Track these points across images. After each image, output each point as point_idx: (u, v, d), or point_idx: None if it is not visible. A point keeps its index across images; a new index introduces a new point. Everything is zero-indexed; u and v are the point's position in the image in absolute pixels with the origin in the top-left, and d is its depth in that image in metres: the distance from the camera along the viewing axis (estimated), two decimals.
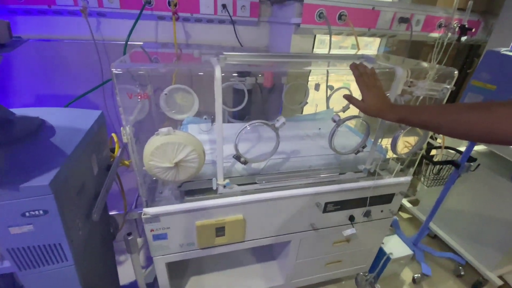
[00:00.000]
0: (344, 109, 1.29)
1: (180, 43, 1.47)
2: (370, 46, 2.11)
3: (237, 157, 0.91)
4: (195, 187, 0.96)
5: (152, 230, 0.93)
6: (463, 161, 1.40)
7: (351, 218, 1.16)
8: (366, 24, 1.40)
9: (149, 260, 1.48)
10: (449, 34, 1.54)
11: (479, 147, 1.67)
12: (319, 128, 1.39)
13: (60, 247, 0.67)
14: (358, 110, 0.79)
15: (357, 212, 1.17)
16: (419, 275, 1.57)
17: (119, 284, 1.23)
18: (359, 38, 1.41)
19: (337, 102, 1.40)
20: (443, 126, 0.59)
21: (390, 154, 1.16)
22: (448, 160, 1.48)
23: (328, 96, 1.40)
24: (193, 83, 1.18)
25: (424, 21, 1.51)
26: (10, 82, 1.35)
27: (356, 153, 1.06)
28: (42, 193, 0.58)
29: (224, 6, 1.37)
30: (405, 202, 2.05)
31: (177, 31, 1.41)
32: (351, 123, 1.45)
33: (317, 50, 1.61)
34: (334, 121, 0.93)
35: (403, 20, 1.45)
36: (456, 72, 0.96)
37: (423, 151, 1.32)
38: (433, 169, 1.53)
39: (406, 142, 1.15)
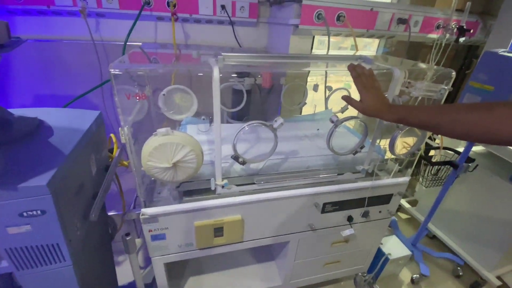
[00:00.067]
0: (343, 110, 1.29)
1: (179, 44, 1.47)
2: (369, 47, 2.12)
3: (236, 158, 0.91)
4: (193, 188, 0.96)
5: (150, 231, 0.93)
6: (461, 162, 1.40)
7: (350, 219, 1.17)
8: (364, 25, 1.40)
9: (148, 261, 1.48)
10: (447, 35, 1.55)
11: (477, 148, 1.67)
12: (318, 129, 1.39)
13: (58, 247, 0.67)
14: (357, 111, 0.79)
15: (356, 213, 1.17)
16: (418, 275, 1.58)
17: (118, 285, 1.22)
18: (358, 39, 1.41)
19: (336, 102, 1.41)
20: (442, 126, 0.59)
21: (388, 155, 1.16)
22: (446, 161, 1.48)
23: (326, 96, 1.40)
24: (192, 84, 1.18)
25: (422, 22, 1.51)
26: (9, 82, 1.35)
27: (354, 154, 1.06)
28: (40, 193, 0.58)
29: (223, 7, 1.38)
30: (403, 202, 2.05)
31: (176, 31, 1.41)
32: (350, 124, 1.45)
33: (316, 51, 1.61)
34: (332, 121, 0.94)
35: (401, 21, 1.46)
36: (453, 73, 0.97)
37: (421, 152, 1.32)
38: (431, 169, 1.54)
39: (404, 143, 1.15)
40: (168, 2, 1.29)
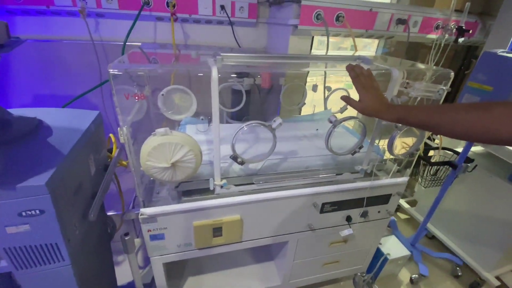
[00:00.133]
0: (342, 110, 1.29)
1: (179, 44, 1.47)
2: (369, 47, 2.12)
3: (234, 158, 0.91)
4: (192, 188, 0.96)
5: (149, 230, 0.93)
6: (460, 162, 1.41)
7: (348, 219, 1.17)
8: (363, 25, 1.41)
9: (147, 261, 1.48)
10: (447, 35, 1.55)
11: (476, 148, 1.67)
12: (317, 129, 1.39)
13: (56, 247, 0.67)
14: (356, 111, 0.79)
15: (354, 213, 1.17)
16: (417, 275, 1.58)
17: (117, 284, 1.23)
18: (357, 39, 1.41)
19: (335, 103, 1.41)
20: (441, 126, 0.59)
21: (387, 155, 1.17)
22: (446, 161, 1.49)
23: (326, 97, 1.40)
24: (191, 84, 1.18)
25: (422, 22, 1.52)
26: (9, 82, 1.36)
27: (352, 154, 1.06)
28: (39, 193, 0.58)
29: (222, 7, 1.38)
30: (403, 202, 2.05)
31: (175, 32, 1.42)
32: (349, 124, 1.45)
33: (316, 51, 1.61)
34: (331, 122, 0.94)
35: (400, 21, 1.46)
36: (452, 74, 0.97)
37: (420, 152, 1.32)
38: (430, 170, 1.54)
39: (404, 143, 1.15)
40: (167, 2, 1.29)
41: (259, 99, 1.59)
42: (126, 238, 0.90)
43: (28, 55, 1.31)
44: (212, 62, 0.81)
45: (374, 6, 1.36)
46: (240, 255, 1.45)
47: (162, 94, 0.93)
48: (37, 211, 0.60)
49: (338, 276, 1.46)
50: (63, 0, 1.20)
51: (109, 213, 1.17)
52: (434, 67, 1.07)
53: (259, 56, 1.07)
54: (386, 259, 1.43)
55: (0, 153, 0.66)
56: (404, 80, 0.94)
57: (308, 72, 1.45)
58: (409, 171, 1.19)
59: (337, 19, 1.32)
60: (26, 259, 0.67)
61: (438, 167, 1.53)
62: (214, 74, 0.76)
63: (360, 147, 1.05)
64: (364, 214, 1.18)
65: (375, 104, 0.73)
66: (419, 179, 1.62)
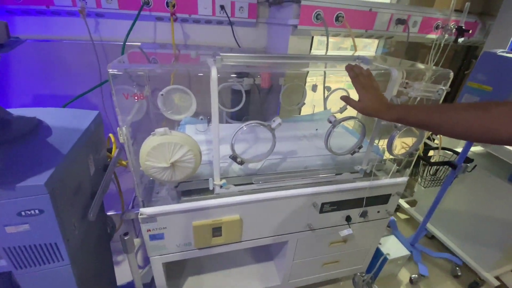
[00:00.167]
0: (342, 110, 1.29)
1: (178, 44, 1.47)
2: (369, 48, 2.12)
3: (234, 158, 0.92)
4: (191, 187, 0.96)
5: (148, 230, 0.93)
6: (459, 162, 1.41)
7: (348, 219, 1.17)
8: (363, 25, 1.41)
9: (147, 260, 1.48)
10: (446, 35, 1.55)
11: (475, 148, 1.67)
12: (316, 129, 1.39)
13: (56, 246, 0.67)
14: (355, 111, 0.79)
15: (354, 213, 1.17)
16: (416, 275, 1.58)
17: (116, 284, 1.23)
18: (357, 39, 1.41)
19: (335, 103, 1.41)
20: (440, 125, 0.59)
21: (387, 155, 1.17)
22: (445, 161, 1.49)
23: (325, 97, 1.40)
24: (191, 84, 1.18)
25: (421, 22, 1.52)
26: (9, 82, 1.36)
27: (352, 154, 1.06)
28: (38, 192, 0.58)
29: (222, 7, 1.38)
30: (402, 203, 2.05)
31: (175, 32, 1.42)
32: (349, 124, 1.46)
33: (317, 51, 1.61)
34: (330, 122, 0.94)
35: (400, 21, 1.46)
36: (451, 74, 0.97)
37: (419, 152, 1.32)
38: (430, 170, 1.54)
39: (403, 143, 1.15)
40: (167, 2, 1.29)
41: (258, 99, 1.60)
42: (126, 238, 0.90)
43: (28, 55, 1.31)
44: (212, 62, 0.81)
45: (373, 6, 1.36)
46: (239, 255, 1.45)
47: (162, 94, 0.93)
48: (36, 211, 0.60)
49: (337, 276, 1.46)
50: (63, 0, 1.20)
51: (109, 213, 1.17)
52: (434, 67, 1.07)
53: (258, 56, 1.07)
54: (385, 259, 1.43)
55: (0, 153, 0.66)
56: (403, 80, 0.94)
57: (308, 72, 1.45)
58: (408, 171, 1.19)
59: (337, 19, 1.32)
60: (26, 258, 0.67)
61: (438, 167, 1.53)
62: (213, 74, 0.76)
63: (360, 147, 1.05)
64: (363, 214, 1.18)
65: (375, 104, 0.73)
66: (419, 179, 1.62)
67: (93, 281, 0.91)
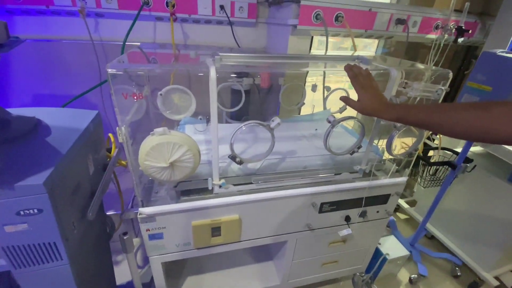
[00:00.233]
0: (341, 110, 1.29)
1: (178, 44, 1.48)
2: (370, 48, 2.13)
3: (233, 157, 0.92)
4: (191, 187, 0.96)
5: (148, 230, 0.93)
6: (459, 162, 1.41)
7: (347, 219, 1.17)
8: (363, 25, 1.41)
9: (147, 260, 1.48)
10: (446, 35, 1.55)
11: (475, 148, 1.67)
12: (316, 129, 1.39)
13: (54, 246, 0.67)
14: (355, 111, 0.79)
15: (353, 213, 1.17)
16: (416, 275, 1.58)
17: (116, 284, 1.23)
18: (358, 39, 1.42)
19: (335, 103, 1.41)
20: (440, 125, 0.59)
21: (386, 155, 1.17)
22: (445, 161, 1.49)
23: (325, 97, 1.40)
24: (191, 84, 1.18)
25: (421, 22, 1.52)
26: (8, 82, 1.36)
27: (351, 154, 1.06)
28: (36, 192, 0.58)
29: (222, 7, 1.38)
30: (402, 203, 2.05)
31: (175, 31, 1.42)
32: (348, 124, 1.46)
33: (317, 51, 1.61)
34: (329, 121, 0.94)
35: (400, 21, 1.46)
36: (450, 74, 0.97)
37: (419, 152, 1.32)
38: (429, 170, 1.54)
39: (403, 143, 1.15)
40: (167, 2, 1.30)
41: (258, 99, 1.60)
42: (125, 238, 0.91)
43: (28, 55, 1.32)
44: (211, 62, 0.81)
45: (373, 6, 1.36)
46: (239, 254, 1.45)
47: (161, 94, 0.93)
48: (35, 210, 0.61)
49: (337, 276, 1.46)
50: (62, 0, 1.20)
51: (108, 213, 1.17)
52: (434, 67, 1.07)
53: (258, 56, 1.07)
54: (385, 259, 1.43)
55: None
56: (402, 80, 0.94)
57: (308, 72, 1.45)
58: (408, 171, 1.19)
59: (336, 19, 1.32)
60: (25, 258, 0.67)
61: (438, 167, 1.53)
62: (212, 74, 0.76)
63: (359, 147, 1.05)
64: (363, 214, 1.18)
65: (374, 104, 0.73)
66: (419, 179, 1.62)
67: (92, 280, 0.92)
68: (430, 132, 1.60)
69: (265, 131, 0.90)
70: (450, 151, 1.58)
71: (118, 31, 1.34)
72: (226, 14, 1.40)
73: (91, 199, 0.81)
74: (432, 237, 1.86)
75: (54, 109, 0.93)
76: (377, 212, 1.22)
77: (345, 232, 1.16)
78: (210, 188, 0.94)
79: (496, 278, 1.53)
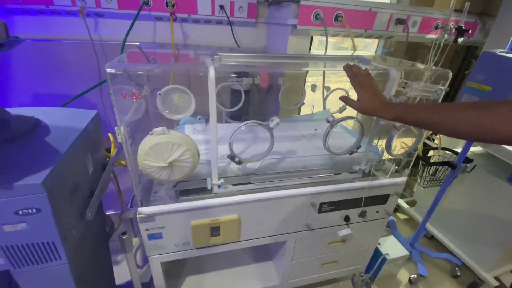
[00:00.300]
0: (341, 110, 1.29)
1: (178, 44, 1.48)
2: (370, 48, 2.13)
3: (232, 157, 0.92)
4: (190, 187, 0.96)
5: (147, 230, 0.93)
6: (459, 162, 1.41)
7: (347, 219, 1.17)
8: (362, 25, 1.40)
9: (146, 260, 1.48)
10: (446, 35, 1.55)
11: (475, 148, 1.67)
12: (315, 129, 1.39)
13: (53, 245, 0.67)
14: (355, 111, 0.79)
15: (353, 213, 1.17)
16: (416, 275, 1.58)
17: (115, 284, 1.23)
18: (358, 39, 1.41)
19: (335, 103, 1.41)
20: (440, 124, 0.59)
21: (386, 155, 1.16)
22: (445, 161, 1.49)
23: (324, 97, 1.40)
24: (191, 84, 1.18)
25: (421, 22, 1.51)
26: (8, 81, 1.36)
27: (350, 154, 1.06)
28: (35, 191, 0.58)
29: (221, 7, 1.38)
30: (402, 203, 2.05)
31: (174, 31, 1.42)
32: (348, 124, 1.45)
33: (316, 51, 1.61)
34: (328, 121, 0.94)
35: (399, 21, 1.46)
36: (450, 74, 0.97)
37: (418, 152, 1.32)
38: (429, 170, 1.54)
39: (402, 143, 1.15)
40: (166, 2, 1.30)
41: (258, 99, 1.60)
42: (124, 237, 0.91)
43: (28, 54, 1.32)
44: (210, 62, 0.81)
45: (373, 6, 1.36)
46: (238, 254, 1.45)
47: (159, 94, 0.93)
48: (34, 210, 0.61)
49: (336, 276, 1.46)
50: (62, 0, 1.20)
51: (108, 213, 1.17)
52: (433, 67, 1.07)
53: (257, 56, 1.07)
54: (384, 259, 1.42)
55: None
56: (402, 80, 0.94)
57: (307, 72, 1.45)
58: (407, 171, 1.19)
59: (336, 19, 1.32)
60: (24, 257, 0.67)
61: (437, 167, 1.53)
62: (211, 73, 0.76)
63: (358, 147, 1.05)
64: (362, 214, 1.18)
65: (374, 103, 0.72)
66: (418, 179, 1.62)
67: (92, 280, 0.92)
68: (430, 132, 1.60)
69: (264, 131, 0.90)
70: (450, 151, 1.58)
71: (117, 31, 1.34)
72: (226, 14, 1.40)
73: (90, 198, 0.81)
74: (432, 237, 1.86)
75: (53, 109, 0.93)
76: (377, 212, 1.22)
77: (344, 232, 1.16)
78: (209, 188, 0.94)
79: (496, 278, 1.53)
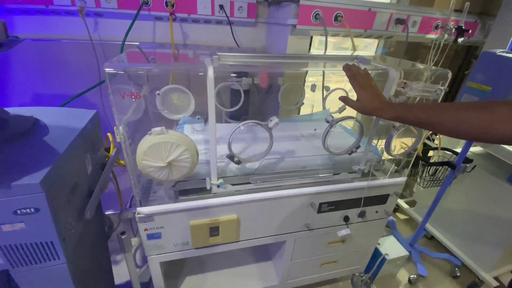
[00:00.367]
0: (341, 110, 1.29)
1: (178, 44, 1.47)
2: (370, 48, 2.12)
3: (231, 157, 0.92)
4: (189, 187, 0.96)
5: (146, 230, 0.93)
6: (459, 162, 1.40)
7: (346, 219, 1.17)
8: (362, 25, 1.40)
9: (145, 260, 1.48)
10: (446, 35, 1.55)
11: (475, 149, 1.67)
12: (315, 129, 1.39)
13: (52, 245, 0.67)
14: (355, 111, 0.79)
15: (352, 213, 1.17)
16: (415, 276, 1.58)
17: (114, 283, 1.23)
18: (358, 39, 1.41)
19: (334, 103, 1.41)
20: (441, 124, 0.59)
21: (385, 155, 1.16)
22: (444, 161, 1.48)
23: (324, 97, 1.40)
24: (190, 83, 1.18)
25: (421, 22, 1.51)
26: (8, 81, 1.36)
27: (350, 154, 1.06)
28: (33, 191, 0.58)
29: (221, 6, 1.38)
30: (402, 203, 2.05)
31: (174, 31, 1.42)
32: (348, 124, 1.45)
33: (316, 51, 1.61)
34: (328, 121, 0.94)
35: (399, 21, 1.45)
36: (449, 74, 0.97)
37: (418, 152, 1.32)
38: (429, 170, 1.54)
39: (402, 143, 1.15)
40: (166, 2, 1.30)
41: (257, 99, 1.59)
42: (123, 237, 0.91)
43: (27, 54, 1.32)
44: (209, 61, 0.81)
45: (373, 6, 1.36)
46: (237, 254, 1.45)
47: (158, 93, 0.93)
48: (32, 210, 0.61)
49: (336, 276, 1.46)
50: (62, 0, 1.20)
51: (107, 212, 1.17)
52: (433, 67, 1.07)
53: (256, 55, 1.07)
54: (384, 259, 1.42)
55: None
56: (401, 80, 0.94)
57: (307, 72, 1.45)
58: (407, 171, 1.18)
59: (336, 19, 1.32)
60: (22, 257, 0.67)
61: (437, 167, 1.52)
62: (210, 73, 0.76)
63: (358, 147, 1.05)
64: (361, 214, 1.18)
65: (374, 103, 0.72)
66: (418, 180, 1.62)
67: (91, 280, 0.92)
68: (430, 132, 1.60)
69: (263, 131, 0.90)
70: (449, 151, 1.57)
71: (117, 31, 1.34)
72: (226, 13, 1.39)
73: (89, 198, 0.81)
74: (431, 238, 1.86)
75: (52, 109, 0.93)
76: (376, 212, 1.21)
77: (344, 232, 1.15)
78: (208, 187, 0.94)
79: (496, 278, 1.53)
